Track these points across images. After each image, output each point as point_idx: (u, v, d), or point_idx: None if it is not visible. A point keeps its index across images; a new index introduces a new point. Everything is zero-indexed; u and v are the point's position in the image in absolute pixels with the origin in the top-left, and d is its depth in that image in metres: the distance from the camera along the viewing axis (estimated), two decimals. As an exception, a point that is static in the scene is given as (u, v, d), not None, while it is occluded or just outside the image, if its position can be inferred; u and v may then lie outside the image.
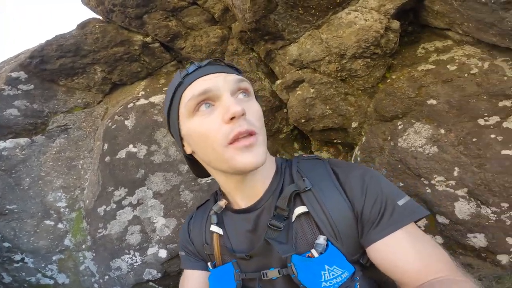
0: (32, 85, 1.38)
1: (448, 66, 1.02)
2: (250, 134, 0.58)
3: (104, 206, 1.28)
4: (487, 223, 1.00)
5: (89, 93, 1.44)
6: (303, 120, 1.35)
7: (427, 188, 1.09)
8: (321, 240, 0.60)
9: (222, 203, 0.73)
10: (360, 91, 1.21)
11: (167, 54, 1.39)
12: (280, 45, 1.21)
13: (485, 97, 0.98)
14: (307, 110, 1.31)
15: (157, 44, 1.35)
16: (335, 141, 1.43)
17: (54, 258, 1.31)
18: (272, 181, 0.69)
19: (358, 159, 1.32)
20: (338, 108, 1.26)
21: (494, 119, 0.99)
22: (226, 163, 0.60)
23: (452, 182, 1.06)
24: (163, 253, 1.20)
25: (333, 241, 0.61)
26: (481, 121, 1.01)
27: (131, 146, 1.28)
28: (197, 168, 0.77)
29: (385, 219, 0.58)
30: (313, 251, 0.60)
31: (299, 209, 0.64)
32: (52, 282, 1.31)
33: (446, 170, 1.06)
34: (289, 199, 0.64)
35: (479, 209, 1.02)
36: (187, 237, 0.82)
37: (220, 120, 0.58)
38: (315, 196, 0.64)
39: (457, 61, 1.00)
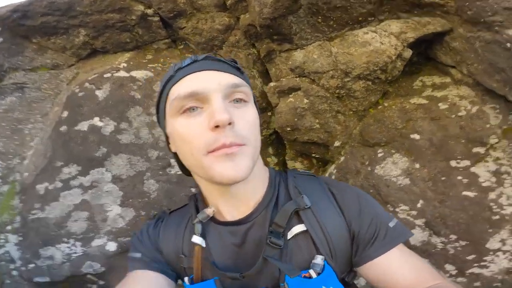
0: (1, 38, 1.16)
1: (439, 104, 1.08)
2: (236, 146, 0.53)
3: (46, 183, 1.06)
4: (433, 250, 1.12)
5: (62, 54, 1.22)
6: (288, 129, 1.32)
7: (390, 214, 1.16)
8: (319, 260, 0.59)
9: (209, 211, 0.65)
10: (351, 112, 1.23)
11: (163, 30, 1.25)
12: (286, 48, 1.17)
13: (463, 141, 1.07)
14: (295, 119, 1.28)
15: (156, 18, 1.20)
16: (313, 154, 1.42)
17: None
18: (266, 194, 0.66)
19: (333, 177, 1.33)
20: (327, 124, 1.26)
21: (465, 163, 1.09)
22: (204, 171, 0.55)
23: (414, 212, 1.14)
24: (112, 246, 1.04)
25: (328, 260, 0.61)
26: (453, 163, 1.10)
27: (96, 119, 1.10)
28: (185, 167, 0.69)
29: (379, 239, 0.61)
30: (311, 271, 0.58)
31: (298, 228, 0.62)
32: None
33: (411, 201, 1.14)
34: (289, 217, 0.62)
35: (430, 238, 1.13)
36: (151, 243, 0.71)
37: (206, 125, 0.54)
38: (314, 215, 0.62)
39: (449, 100, 1.07)
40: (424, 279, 0.58)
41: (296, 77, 1.22)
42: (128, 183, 1.10)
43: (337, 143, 1.31)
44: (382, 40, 0.96)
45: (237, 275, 0.60)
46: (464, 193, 1.08)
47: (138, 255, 0.70)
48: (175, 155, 0.67)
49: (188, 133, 0.55)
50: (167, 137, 0.65)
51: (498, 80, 0.86)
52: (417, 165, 1.14)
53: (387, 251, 0.60)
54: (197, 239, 0.63)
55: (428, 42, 1.04)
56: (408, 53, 0.99)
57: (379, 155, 1.21)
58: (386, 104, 1.20)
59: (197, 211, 0.68)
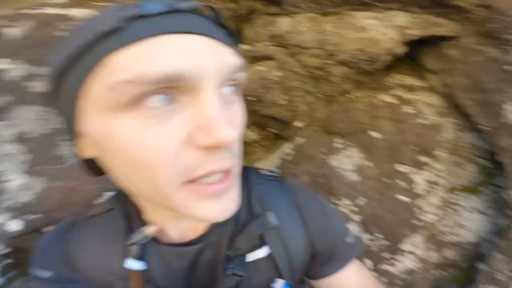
0: None
1: (405, 107, 1.08)
2: (228, 172, 0.35)
3: None
4: (358, 245, 1.23)
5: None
6: (252, 98, 1.17)
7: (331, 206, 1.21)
8: (279, 284, 0.53)
9: (150, 231, 0.48)
10: (322, 96, 1.13)
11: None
12: (272, 11, 0.95)
13: (413, 147, 1.12)
14: (262, 90, 1.13)
15: None
16: (270, 129, 1.33)
17: None
18: None
19: (288, 157, 1.29)
20: (293, 103, 1.15)
21: (407, 168, 1.16)
22: (172, 206, 0.34)
23: (355, 208, 1.21)
24: (15, 225, 0.80)
25: (288, 281, 0.55)
26: (398, 167, 1.16)
27: (6, 60, 0.78)
28: (94, 168, 0.45)
29: (338, 255, 0.59)
30: None
31: (260, 252, 0.52)
32: None
33: (355, 197, 1.19)
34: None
35: (361, 234, 1.22)
36: (62, 258, 0.52)
37: (185, 137, 0.31)
38: (280, 235, 0.54)
39: (416, 105, 1.07)
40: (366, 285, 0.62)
41: (274, 45, 1.02)
42: (38, 144, 0.82)
43: (299, 124, 1.23)
44: (383, 30, 0.85)
45: None
46: (398, 196, 1.16)
47: (45, 274, 0.50)
48: (85, 160, 0.41)
49: (151, 147, 0.31)
50: (74, 134, 0.36)
51: (473, 99, 0.87)
52: (370, 164, 1.17)
53: (343, 266, 0.59)
54: (132, 263, 0.47)
55: (419, 42, 0.97)
56: (402, 50, 0.91)
57: (337, 145, 1.19)
58: (357, 95, 1.14)
59: (129, 225, 0.49)
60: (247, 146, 1.41)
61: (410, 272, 1.14)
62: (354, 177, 1.16)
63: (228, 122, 0.31)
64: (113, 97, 0.30)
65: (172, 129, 0.31)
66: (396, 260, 1.16)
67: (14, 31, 0.79)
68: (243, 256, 0.50)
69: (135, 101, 0.30)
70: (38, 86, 0.81)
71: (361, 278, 0.61)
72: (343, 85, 1.09)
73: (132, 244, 0.46)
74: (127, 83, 0.29)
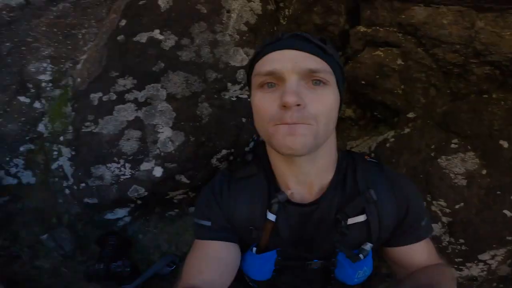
0: None
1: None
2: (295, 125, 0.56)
3: (100, 93, 0.96)
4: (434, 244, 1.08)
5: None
6: (363, 82, 1.13)
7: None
8: (368, 246, 0.70)
9: (289, 193, 0.70)
10: (449, 91, 1.02)
11: None
12: None
13: None
14: (377, 76, 1.08)
15: None
16: (374, 113, 1.28)
17: (22, 148, 1.02)
18: (333, 179, 0.71)
19: (387, 144, 1.25)
20: (412, 94, 1.07)
21: None
22: (268, 138, 0.62)
23: (447, 210, 1.07)
24: (158, 172, 1.01)
25: (374, 245, 0.71)
26: None
27: (157, 31, 0.96)
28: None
29: (416, 231, 0.73)
30: (360, 255, 0.69)
31: (360, 218, 0.69)
32: (15, 181, 1.05)
33: (453, 201, 1.06)
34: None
35: (442, 235, 1.09)
36: (221, 210, 0.73)
37: (277, 102, 0.57)
38: (377, 208, 0.69)
39: None
40: (431, 262, 0.73)
41: (399, 32, 0.94)
42: (182, 103, 1.00)
43: (411, 114, 1.16)
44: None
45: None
46: (505, 211, 1.03)
47: (207, 223, 0.72)
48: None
49: (260, 105, 0.61)
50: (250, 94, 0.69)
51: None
52: (484, 171, 1.05)
53: (418, 240, 0.73)
54: (272, 216, 0.69)
55: None
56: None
57: (452, 146, 1.09)
58: (494, 96, 0.99)
59: (269, 188, 0.72)
60: (343, 122, 1.40)
61: (471, 278, 1.08)
62: (461, 181, 1.08)
63: (292, 93, 0.54)
64: (254, 82, 0.63)
65: (273, 97, 0.58)
66: (466, 266, 1.09)
67: (160, 2, 0.98)
68: (347, 219, 0.67)
69: (260, 85, 0.61)
70: (184, 56, 0.98)
71: (429, 255, 0.74)
72: (481, 85, 0.96)
73: (275, 202, 0.68)
74: (256, 75, 0.62)
